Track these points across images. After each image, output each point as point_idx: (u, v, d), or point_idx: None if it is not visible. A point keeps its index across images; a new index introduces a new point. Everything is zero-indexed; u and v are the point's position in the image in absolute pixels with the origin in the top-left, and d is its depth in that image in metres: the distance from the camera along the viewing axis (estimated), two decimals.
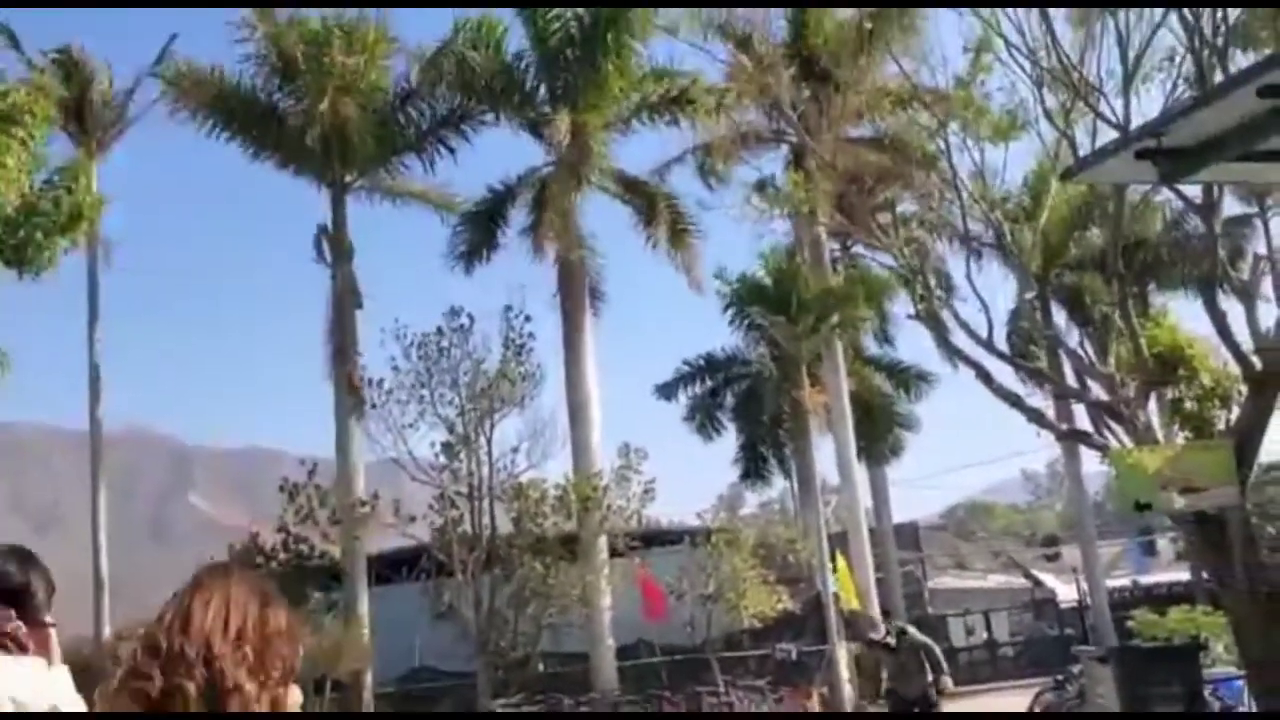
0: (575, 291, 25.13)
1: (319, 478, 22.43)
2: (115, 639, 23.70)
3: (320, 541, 23.09)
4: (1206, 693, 12.95)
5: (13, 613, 2.80)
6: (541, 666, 22.99)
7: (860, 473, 29.12)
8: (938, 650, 12.59)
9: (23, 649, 2.77)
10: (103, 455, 25.27)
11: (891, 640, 12.72)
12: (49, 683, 2.74)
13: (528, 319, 22.09)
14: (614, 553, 23.10)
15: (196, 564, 2.44)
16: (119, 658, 2.03)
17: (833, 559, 23.41)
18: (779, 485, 35.85)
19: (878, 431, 31.41)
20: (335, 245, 24.76)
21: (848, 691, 21.69)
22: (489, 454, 23.40)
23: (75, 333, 26.39)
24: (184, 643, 2.06)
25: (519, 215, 26.42)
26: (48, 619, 2.90)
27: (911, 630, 12.86)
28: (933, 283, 15.74)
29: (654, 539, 25.24)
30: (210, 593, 2.16)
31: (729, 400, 31.83)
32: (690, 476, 49.04)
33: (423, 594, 22.72)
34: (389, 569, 27.31)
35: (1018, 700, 18.08)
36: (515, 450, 23.96)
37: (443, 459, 22.99)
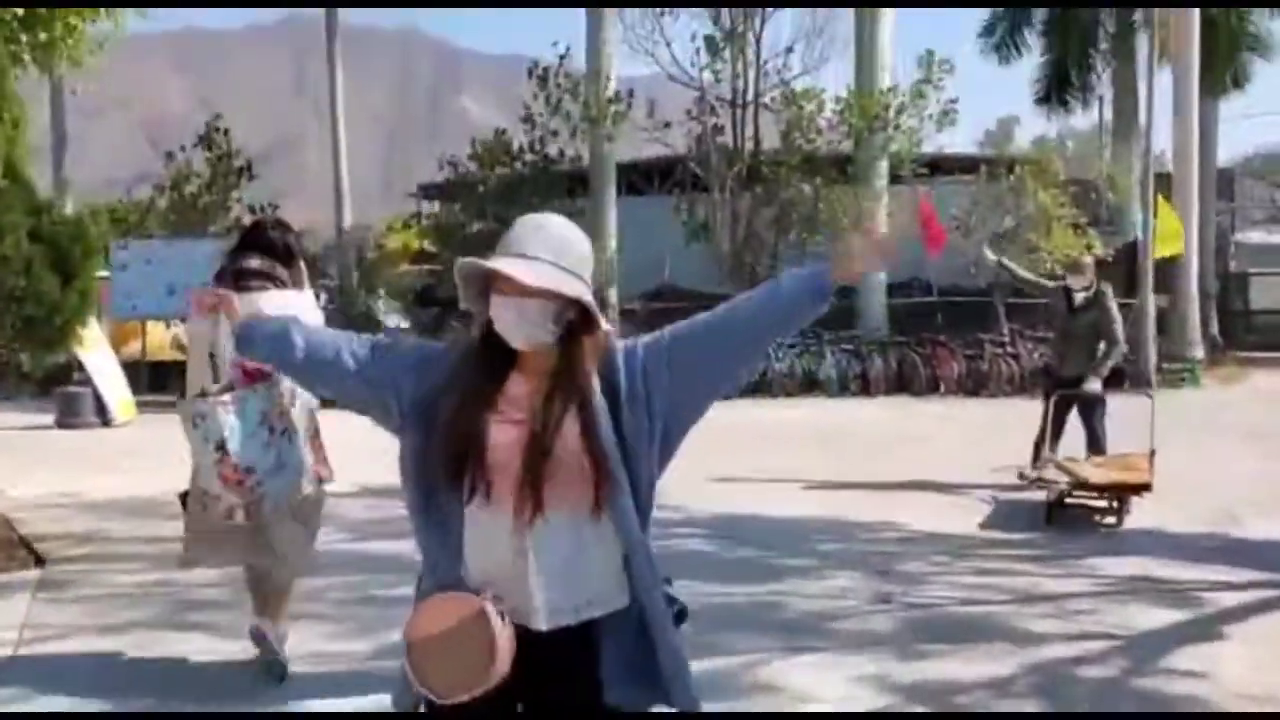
0: None
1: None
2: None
3: (569, 143, 21.02)
4: None
5: (276, 265, 4.96)
6: None
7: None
8: (1120, 338, 9.13)
9: (283, 285, 4.94)
10: (377, 55, 23.47)
11: (1081, 292, 9.18)
12: (301, 303, 4.80)
13: None
14: (895, 178, 20.07)
15: None
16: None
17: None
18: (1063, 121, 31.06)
19: (1220, 54, 26.07)
20: None
21: (1151, 354, 18.59)
22: (757, 54, 20.32)
23: None
24: None
25: None
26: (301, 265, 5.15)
27: (1110, 296, 9.38)
28: None
29: (941, 166, 21.92)
30: None
31: (1038, 14, 27.04)
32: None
33: (674, 209, 20.59)
34: (640, 179, 25.32)
35: None
36: (789, 50, 20.78)
37: (704, 56, 20.09)
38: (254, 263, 4.88)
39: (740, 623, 5.80)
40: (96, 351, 15.73)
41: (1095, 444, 9.02)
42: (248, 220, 22.99)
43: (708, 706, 2.66)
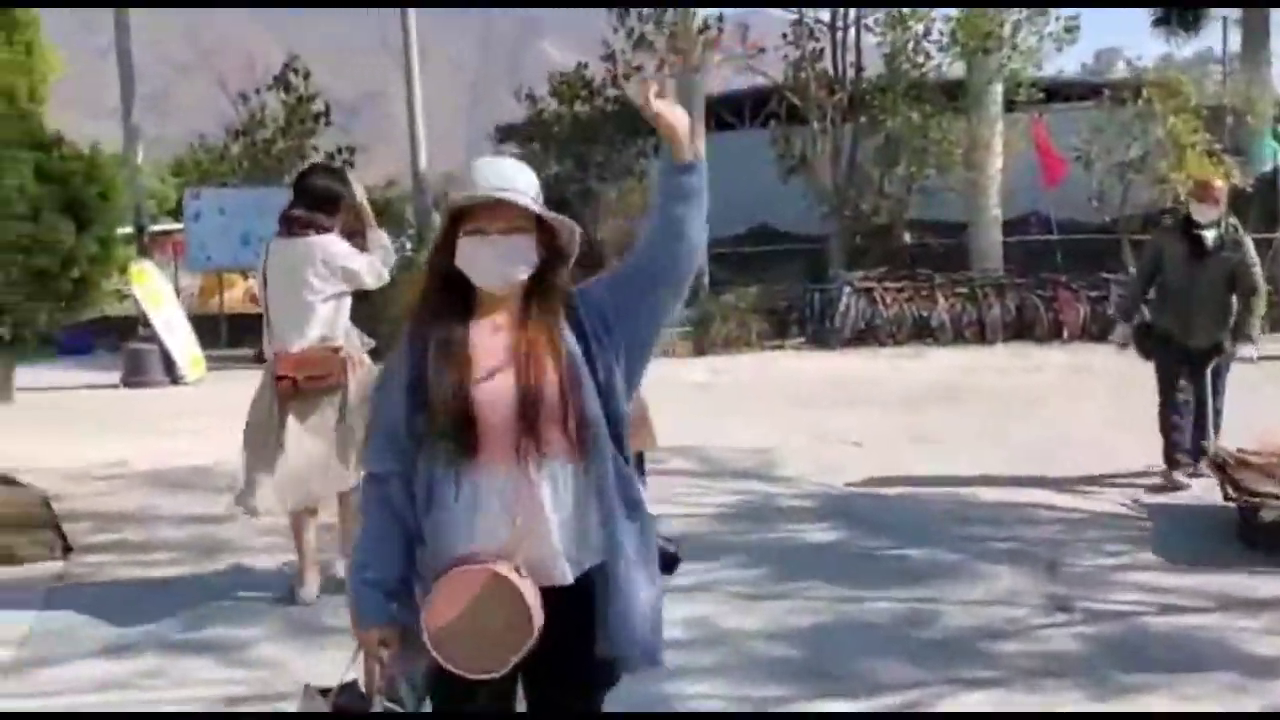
0: None
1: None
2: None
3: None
4: None
5: (318, 213, 5.20)
6: (908, 236, 19.32)
7: None
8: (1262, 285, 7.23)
9: (324, 231, 5.18)
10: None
11: (1211, 229, 7.15)
12: (323, 245, 5.14)
13: None
14: (1010, 105, 18.42)
15: None
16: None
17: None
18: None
19: None
20: None
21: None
22: None
23: None
24: None
25: None
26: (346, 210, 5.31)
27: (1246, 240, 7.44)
28: None
29: (1058, 92, 20.16)
30: None
31: None
32: None
33: (769, 143, 19.20)
34: (730, 112, 23.92)
35: None
36: None
37: None
38: (298, 211, 5.25)
39: (881, 644, 4.66)
40: (164, 306, 15.01)
41: (1213, 421, 7.22)
42: None
43: None
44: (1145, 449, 7.53)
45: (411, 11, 19.99)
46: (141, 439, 10.02)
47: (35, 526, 6.73)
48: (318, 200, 5.24)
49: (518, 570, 2.23)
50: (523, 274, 2.32)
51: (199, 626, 4.99)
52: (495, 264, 2.30)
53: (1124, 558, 5.84)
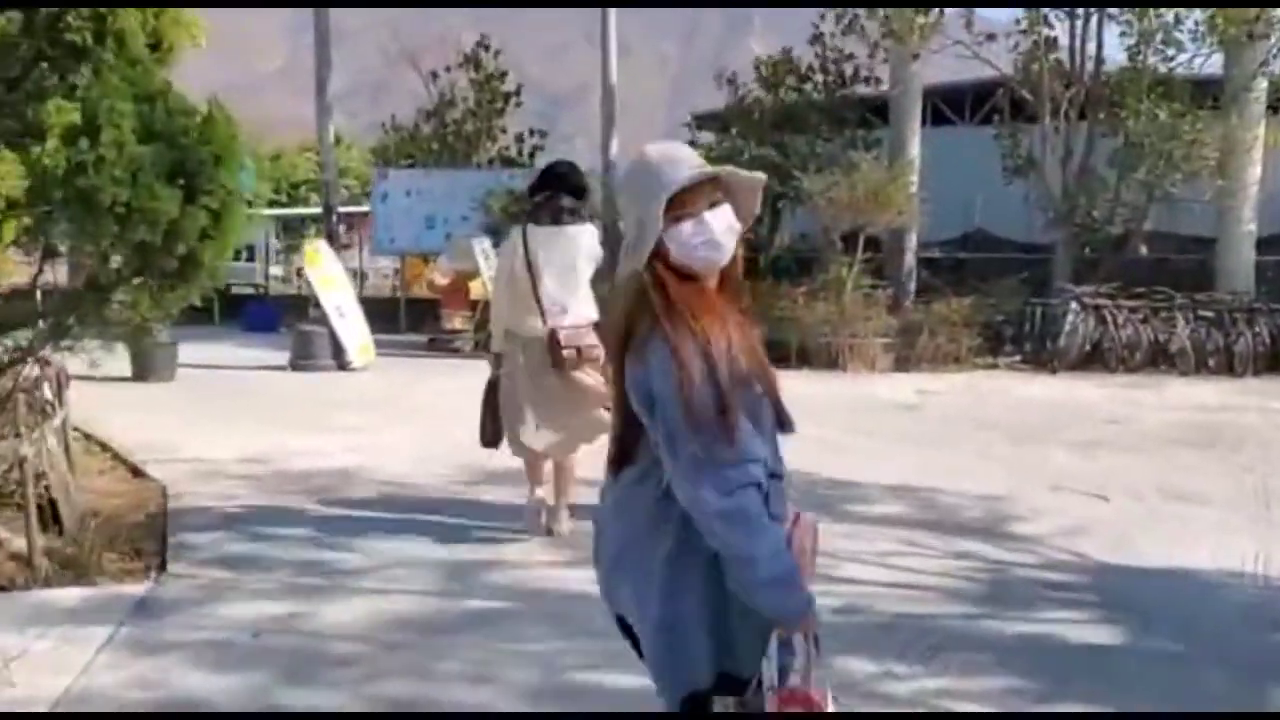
0: None
1: None
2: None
3: (867, 62, 18.18)
4: None
5: (581, 204, 6.01)
6: (1145, 250, 17.24)
7: None
8: None
9: (585, 220, 6.03)
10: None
11: None
12: (592, 234, 6.01)
13: None
14: (1276, 106, 16.17)
15: None
16: None
17: None
18: None
19: None
20: None
21: None
22: None
23: None
24: None
25: None
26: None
27: None
28: None
29: None
30: None
31: None
32: None
33: (992, 141, 17.43)
34: (950, 105, 22.16)
35: None
36: None
37: None
38: (567, 202, 5.90)
39: None
40: (335, 289, 14.43)
41: None
42: (514, 150, 21.59)
43: None
44: None
45: (612, 10, 19.18)
46: (292, 431, 9.27)
47: (134, 539, 5.88)
48: (576, 192, 5.99)
49: None
50: (734, 245, 2.27)
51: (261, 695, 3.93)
52: (723, 236, 2.23)
53: None
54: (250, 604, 4.88)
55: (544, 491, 6.10)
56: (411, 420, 10.03)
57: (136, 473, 7.70)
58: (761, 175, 2.31)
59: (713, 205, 2.21)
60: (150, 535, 6.01)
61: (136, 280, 5.37)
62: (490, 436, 6.14)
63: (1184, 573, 5.68)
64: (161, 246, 5.06)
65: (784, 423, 2.24)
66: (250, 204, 35.29)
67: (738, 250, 2.27)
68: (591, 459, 6.70)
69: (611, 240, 17.93)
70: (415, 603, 4.89)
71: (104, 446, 8.34)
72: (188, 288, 5.25)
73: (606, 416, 5.38)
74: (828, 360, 14.44)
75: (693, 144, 22.77)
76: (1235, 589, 5.44)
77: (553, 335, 5.75)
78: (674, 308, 2.14)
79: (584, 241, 5.92)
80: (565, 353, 5.71)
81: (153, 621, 4.67)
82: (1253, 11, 15.02)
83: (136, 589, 5.13)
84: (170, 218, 4.99)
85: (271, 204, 41.16)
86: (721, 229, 2.21)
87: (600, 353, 5.63)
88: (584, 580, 5.18)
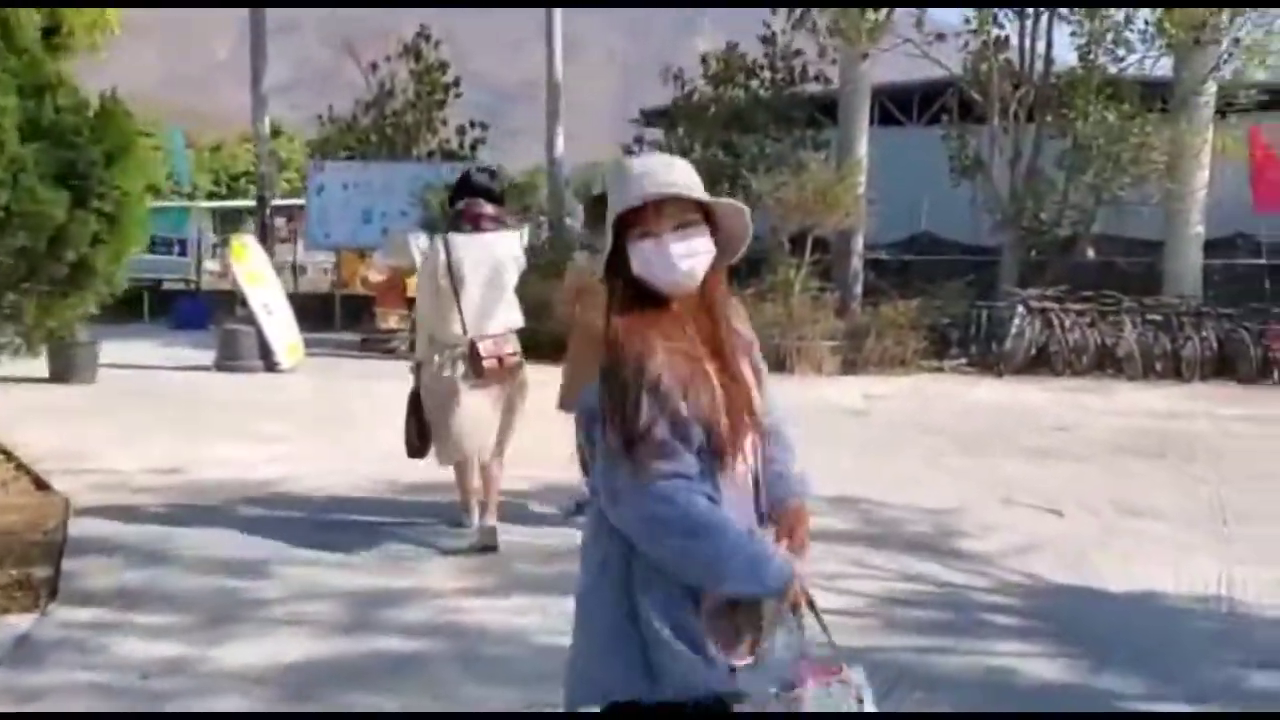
0: None
1: None
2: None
3: (815, 60, 17.95)
4: None
5: (502, 210, 6.01)
6: (1092, 253, 17.15)
7: None
8: None
9: (506, 227, 5.98)
10: None
11: None
12: (515, 240, 5.99)
13: None
14: (1224, 111, 16.12)
15: None
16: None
17: None
18: None
19: None
20: None
21: None
22: None
23: None
24: None
25: None
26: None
27: None
28: None
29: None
30: None
31: None
32: None
33: (940, 141, 17.25)
34: (898, 105, 21.97)
35: None
36: None
37: None
38: (489, 209, 5.91)
39: None
40: (263, 285, 13.89)
41: None
42: (455, 143, 21.08)
43: None
44: None
45: (557, 10, 18.86)
46: (212, 438, 8.80)
47: (26, 561, 5.44)
48: (496, 199, 5.99)
49: None
50: (701, 272, 2.14)
51: None
52: (684, 258, 2.10)
53: None
54: (142, 642, 4.46)
55: (478, 506, 5.98)
56: (338, 427, 9.58)
57: (40, 485, 7.23)
58: (742, 205, 2.18)
59: (681, 228, 2.10)
60: (46, 557, 5.57)
61: (24, 286, 4.93)
62: (417, 447, 5.90)
63: (1144, 596, 5.42)
64: (47, 253, 4.62)
65: (720, 455, 2.07)
66: (191, 196, 34.16)
67: (719, 275, 2.17)
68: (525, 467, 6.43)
69: (557, 236, 17.81)
70: (323, 644, 4.48)
71: (8, 455, 7.87)
72: (81, 295, 4.80)
73: (512, 426, 5.97)
74: (775, 363, 14.14)
75: (638, 140, 22.54)
76: (1200, 615, 5.19)
77: (473, 346, 5.72)
78: (613, 326, 2.08)
79: (506, 248, 5.90)
80: (486, 363, 5.71)
81: (32, 662, 4.24)
82: (1200, 15, 14.93)
83: (21, 621, 4.70)
84: (56, 222, 4.55)
85: (211, 196, 40.29)
86: (680, 253, 2.09)
87: (520, 359, 5.86)
88: (508, 613, 4.84)
